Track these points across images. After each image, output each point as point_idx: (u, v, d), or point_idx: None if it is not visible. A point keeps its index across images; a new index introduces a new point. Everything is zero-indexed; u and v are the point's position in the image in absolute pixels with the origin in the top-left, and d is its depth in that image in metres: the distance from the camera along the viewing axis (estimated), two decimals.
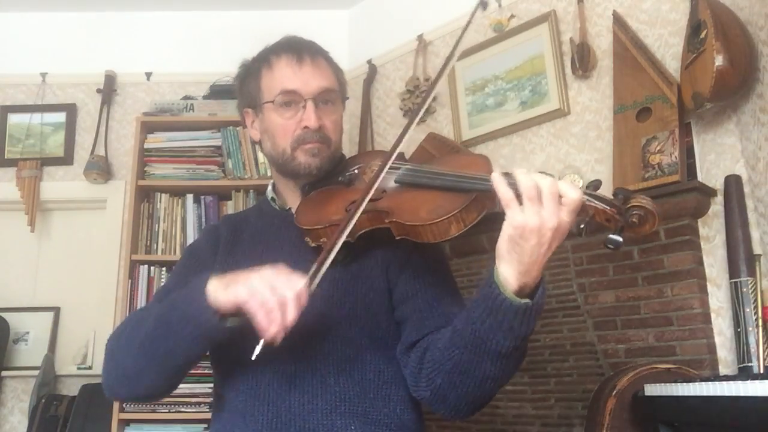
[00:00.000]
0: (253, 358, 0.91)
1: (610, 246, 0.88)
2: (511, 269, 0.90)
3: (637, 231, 0.90)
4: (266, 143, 1.23)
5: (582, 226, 0.92)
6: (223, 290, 0.97)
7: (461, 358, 0.96)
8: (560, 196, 0.88)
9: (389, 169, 1.07)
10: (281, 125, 1.18)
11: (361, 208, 1.02)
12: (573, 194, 0.87)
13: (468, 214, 0.97)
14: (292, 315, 0.91)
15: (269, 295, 0.92)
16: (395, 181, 1.10)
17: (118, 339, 1.11)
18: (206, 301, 0.97)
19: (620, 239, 0.88)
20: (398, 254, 1.14)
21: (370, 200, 1.05)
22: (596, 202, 0.90)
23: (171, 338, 1.01)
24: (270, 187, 1.29)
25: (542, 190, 0.87)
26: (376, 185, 1.04)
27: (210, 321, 0.97)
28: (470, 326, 0.94)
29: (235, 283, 0.96)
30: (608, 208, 0.89)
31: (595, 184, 0.92)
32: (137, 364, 1.06)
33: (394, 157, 1.06)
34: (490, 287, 0.92)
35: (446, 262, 1.24)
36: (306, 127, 1.16)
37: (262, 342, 0.92)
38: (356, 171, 1.21)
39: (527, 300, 0.91)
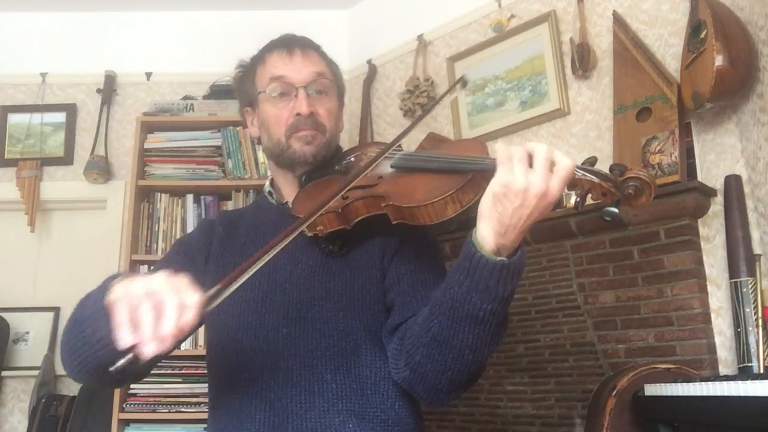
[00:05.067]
0: (111, 369, 0.76)
1: (606, 218, 0.89)
2: (489, 228, 0.90)
3: (634, 203, 0.90)
4: (263, 136, 1.24)
5: (578, 200, 0.92)
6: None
7: (439, 326, 0.96)
8: (553, 163, 0.88)
9: (386, 156, 1.07)
10: (275, 115, 1.20)
11: (361, 186, 1.01)
12: (565, 161, 0.88)
13: (464, 195, 0.97)
14: (167, 326, 0.73)
15: (142, 298, 0.75)
16: (391, 166, 1.10)
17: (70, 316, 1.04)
18: (102, 302, 0.87)
19: (616, 210, 0.89)
20: (393, 242, 1.15)
21: (367, 186, 1.05)
22: (592, 176, 0.90)
23: (80, 338, 0.95)
24: (268, 183, 1.30)
25: (536, 154, 0.88)
26: (374, 165, 1.03)
27: (104, 325, 0.86)
28: (448, 291, 0.94)
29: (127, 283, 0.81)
30: (604, 182, 0.90)
31: (591, 161, 0.93)
32: (65, 355, 1.01)
33: (396, 143, 1.07)
34: (468, 247, 0.92)
35: (440, 251, 1.23)
36: (298, 114, 1.17)
37: (125, 357, 0.74)
38: (353, 159, 1.22)
39: (503, 258, 0.91)
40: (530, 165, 0.88)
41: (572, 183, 0.91)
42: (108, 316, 0.82)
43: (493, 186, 0.89)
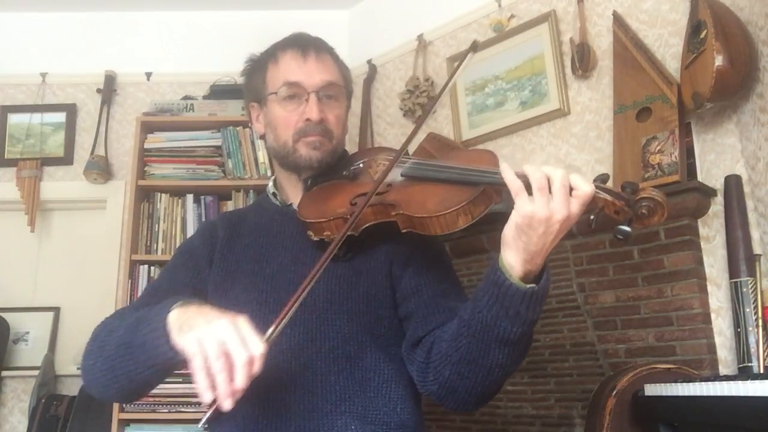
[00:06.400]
0: (200, 426, 0.84)
1: (619, 237, 0.89)
2: (516, 257, 0.91)
3: (646, 222, 0.91)
4: (269, 136, 1.24)
5: (592, 217, 0.93)
6: (177, 330, 0.90)
7: (469, 347, 0.96)
8: (572, 189, 0.89)
9: (397, 163, 1.07)
10: (284, 117, 1.19)
11: (371, 198, 1.02)
12: (585, 187, 0.89)
13: (476, 207, 0.97)
14: (239, 382, 0.81)
15: (216, 357, 0.82)
16: (402, 175, 1.10)
17: (94, 342, 1.09)
18: (164, 333, 0.92)
19: (629, 230, 0.89)
20: (401, 250, 1.14)
21: (377, 193, 1.05)
22: (606, 194, 0.91)
23: (131, 362, 0.98)
24: (271, 183, 1.29)
25: (553, 181, 0.88)
26: (387, 174, 1.04)
27: (165, 354, 0.93)
28: (477, 315, 0.95)
29: (190, 327, 0.88)
30: (617, 200, 0.90)
31: (603, 178, 0.93)
32: (103, 377, 1.04)
33: (404, 149, 1.07)
34: (496, 274, 0.92)
35: (448, 258, 1.24)
36: (308, 119, 1.17)
37: (209, 411, 0.83)
38: (361, 165, 1.21)
39: (533, 285, 0.91)
40: (549, 191, 0.88)
41: None
42: (167, 341, 0.91)
43: (515, 218, 0.90)
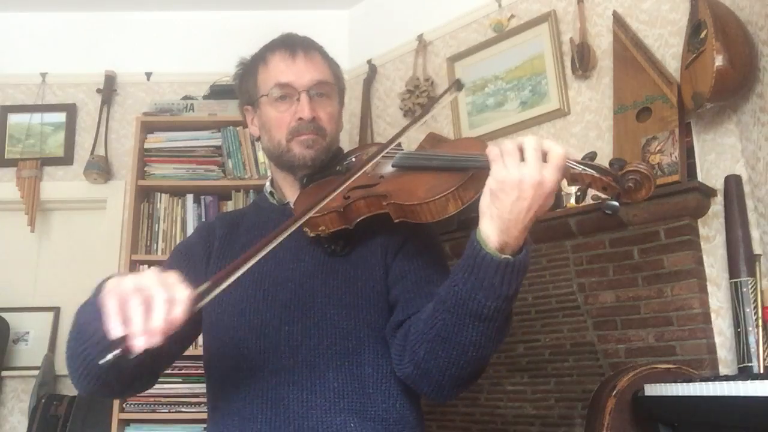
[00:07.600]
0: (100, 362, 0.77)
1: (608, 211, 0.90)
2: (491, 225, 0.91)
3: (634, 197, 0.91)
4: (264, 137, 1.24)
5: (578, 193, 0.93)
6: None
7: (444, 323, 0.96)
8: (545, 153, 0.89)
9: (386, 155, 1.08)
10: (277, 118, 1.20)
11: (354, 178, 1.01)
12: (556, 149, 0.89)
13: (465, 192, 0.98)
14: (156, 320, 0.74)
15: (132, 294, 0.76)
16: (392, 165, 1.11)
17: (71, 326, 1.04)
18: (97, 303, 0.84)
19: (617, 204, 0.90)
20: (395, 240, 1.15)
21: (368, 186, 1.06)
22: (592, 170, 0.91)
23: (81, 342, 0.95)
24: (268, 183, 1.30)
25: (525, 147, 0.90)
26: (373, 162, 1.03)
27: (99, 327, 0.84)
28: (452, 289, 0.95)
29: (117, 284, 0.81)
30: (604, 176, 0.91)
31: (591, 156, 0.94)
32: (69, 365, 1.01)
33: (394, 142, 1.07)
34: (472, 245, 0.93)
35: (439, 246, 1.24)
36: (300, 118, 1.17)
37: (116, 350, 0.75)
38: (353, 160, 1.23)
39: (508, 256, 0.91)
40: (522, 159, 0.89)
41: (573, 178, 0.92)
42: (101, 313, 0.82)
43: (490, 183, 0.91)
